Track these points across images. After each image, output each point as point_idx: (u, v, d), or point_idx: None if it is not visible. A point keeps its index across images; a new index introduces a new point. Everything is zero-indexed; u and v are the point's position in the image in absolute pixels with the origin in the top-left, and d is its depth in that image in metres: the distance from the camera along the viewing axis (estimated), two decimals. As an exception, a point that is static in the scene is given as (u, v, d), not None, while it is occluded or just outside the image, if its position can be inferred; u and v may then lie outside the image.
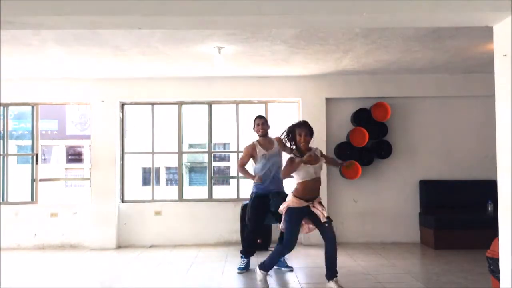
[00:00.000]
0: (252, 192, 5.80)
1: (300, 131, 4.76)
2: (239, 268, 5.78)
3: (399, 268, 5.86)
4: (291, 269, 5.78)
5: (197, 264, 6.19)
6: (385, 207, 7.62)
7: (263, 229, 6.16)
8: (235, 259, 6.29)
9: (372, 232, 7.61)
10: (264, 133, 5.78)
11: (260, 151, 5.72)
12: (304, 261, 6.37)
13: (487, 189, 6.51)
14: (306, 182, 4.74)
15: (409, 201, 7.62)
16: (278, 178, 5.59)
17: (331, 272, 4.79)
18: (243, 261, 5.82)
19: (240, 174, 6.70)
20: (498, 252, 3.41)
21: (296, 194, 4.78)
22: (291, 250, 4.86)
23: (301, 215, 4.79)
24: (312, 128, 4.84)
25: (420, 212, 7.57)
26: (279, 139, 5.53)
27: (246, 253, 5.84)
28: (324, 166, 7.41)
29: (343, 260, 6.29)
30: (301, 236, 7.43)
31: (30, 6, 3.13)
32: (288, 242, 4.81)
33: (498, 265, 3.42)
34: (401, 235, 7.55)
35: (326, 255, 4.79)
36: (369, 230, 7.59)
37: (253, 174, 5.78)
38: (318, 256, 6.55)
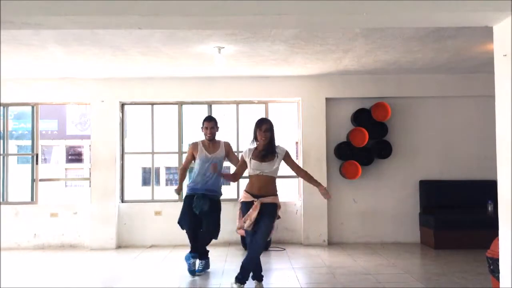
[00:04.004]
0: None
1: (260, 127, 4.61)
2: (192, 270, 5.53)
3: (399, 268, 5.86)
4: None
5: (197, 264, 6.18)
6: (385, 207, 7.62)
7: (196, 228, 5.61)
8: (235, 259, 6.29)
9: (372, 232, 7.61)
10: (211, 138, 5.67)
11: (201, 151, 5.67)
12: (304, 261, 6.36)
13: (487, 189, 6.51)
14: (251, 176, 4.66)
15: (409, 201, 7.62)
16: (214, 182, 5.60)
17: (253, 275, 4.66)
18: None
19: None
20: (498, 252, 3.41)
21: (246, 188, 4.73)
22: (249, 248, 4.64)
23: (247, 209, 4.59)
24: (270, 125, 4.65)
25: (420, 212, 7.57)
26: (228, 146, 5.71)
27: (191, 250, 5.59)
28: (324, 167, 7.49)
29: (343, 260, 6.30)
30: (302, 236, 7.49)
31: (30, 6, 3.13)
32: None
33: (498, 265, 3.42)
34: (401, 235, 7.55)
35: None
36: (369, 230, 7.59)
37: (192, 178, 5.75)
38: (319, 256, 6.57)
